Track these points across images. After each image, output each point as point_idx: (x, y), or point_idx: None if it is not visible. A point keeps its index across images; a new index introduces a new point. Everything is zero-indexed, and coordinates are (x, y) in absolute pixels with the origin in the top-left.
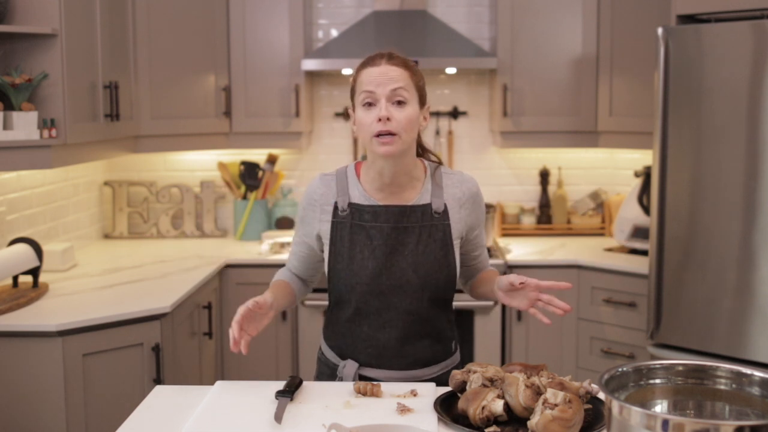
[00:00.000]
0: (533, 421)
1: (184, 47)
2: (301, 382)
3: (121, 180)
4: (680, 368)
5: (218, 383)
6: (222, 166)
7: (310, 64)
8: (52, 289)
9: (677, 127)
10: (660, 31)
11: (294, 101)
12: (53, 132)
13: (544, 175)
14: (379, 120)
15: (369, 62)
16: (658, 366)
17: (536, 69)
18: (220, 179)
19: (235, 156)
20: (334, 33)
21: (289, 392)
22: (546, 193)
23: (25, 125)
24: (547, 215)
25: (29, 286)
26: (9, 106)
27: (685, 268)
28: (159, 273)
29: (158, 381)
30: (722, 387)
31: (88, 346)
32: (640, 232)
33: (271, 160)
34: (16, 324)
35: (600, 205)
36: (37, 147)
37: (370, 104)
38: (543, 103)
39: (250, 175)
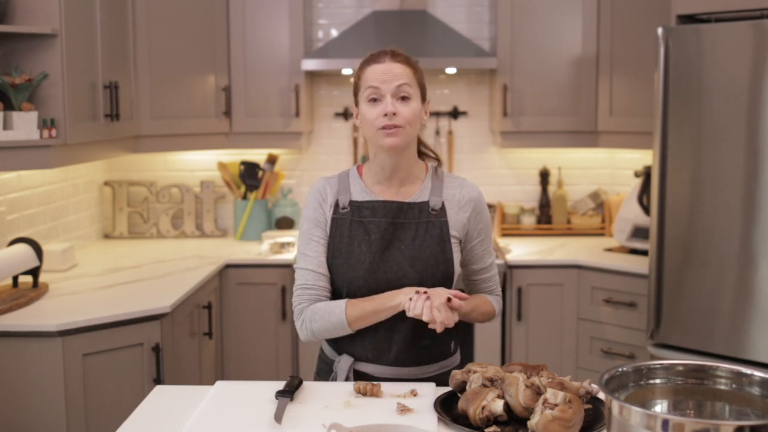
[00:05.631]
0: (533, 421)
1: (184, 47)
2: (301, 382)
3: (121, 180)
4: (680, 368)
5: (218, 383)
6: (222, 166)
7: (310, 64)
8: (52, 289)
9: (677, 127)
10: (660, 31)
11: (294, 101)
12: (53, 132)
13: (544, 175)
14: (385, 115)
15: (373, 59)
16: (658, 366)
17: (536, 69)
18: (220, 179)
19: (235, 156)
20: (334, 33)
21: (289, 392)
22: (546, 193)
23: (25, 125)
24: (547, 215)
25: (29, 286)
26: (9, 106)
27: (685, 268)
28: (159, 273)
29: (158, 381)
30: (722, 387)
31: (88, 346)
32: (640, 232)
33: (271, 160)
34: (16, 324)
35: (600, 205)
36: (37, 147)
37: (375, 100)
38: (543, 103)
39: (250, 175)
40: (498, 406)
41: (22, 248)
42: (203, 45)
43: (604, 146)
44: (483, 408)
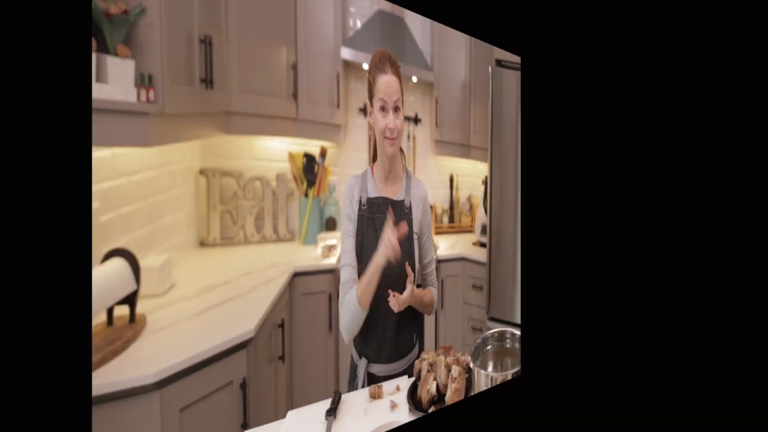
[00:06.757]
0: (447, 396)
1: (262, 18)
2: (340, 397)
3: (215, 168)
4: (495, 335)
5: (290, 414)
6: (291, 157)
7: (346, 53)
8: (149, 322)
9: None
10: (489, 69)
11: (336, 90)
12: (150, 94)
13: (451, 180)
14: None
15: (380, 69)
16: (488, 335)
17: (449, 86)
18: (290, 172)
19: (299, 146)
20: (358, 24)
21: (332, 411)
22: (452, 196)
23: (121, 77)
24: (452, 215)
25: (125, 322)
26: (103, 47)
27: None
28: (245, 288)
29: (245, 425)
30: (508, 346)
31: (185, 396)
32: (485, 229)
33: (323, 153)
34: (111, 383)
35: (470, 207)
36: (134, 114)
37: (383, 109)
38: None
39: (309, 169)
40: (434, 388)
41: (118, 266)
42: (278, 19)
43: (473, 158)
44: (428, 391)
